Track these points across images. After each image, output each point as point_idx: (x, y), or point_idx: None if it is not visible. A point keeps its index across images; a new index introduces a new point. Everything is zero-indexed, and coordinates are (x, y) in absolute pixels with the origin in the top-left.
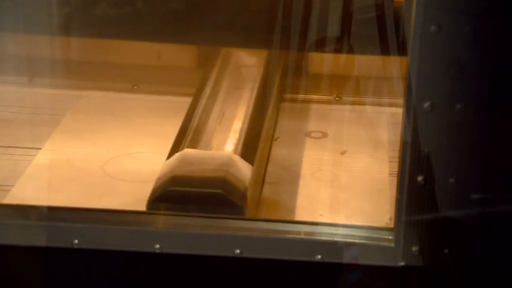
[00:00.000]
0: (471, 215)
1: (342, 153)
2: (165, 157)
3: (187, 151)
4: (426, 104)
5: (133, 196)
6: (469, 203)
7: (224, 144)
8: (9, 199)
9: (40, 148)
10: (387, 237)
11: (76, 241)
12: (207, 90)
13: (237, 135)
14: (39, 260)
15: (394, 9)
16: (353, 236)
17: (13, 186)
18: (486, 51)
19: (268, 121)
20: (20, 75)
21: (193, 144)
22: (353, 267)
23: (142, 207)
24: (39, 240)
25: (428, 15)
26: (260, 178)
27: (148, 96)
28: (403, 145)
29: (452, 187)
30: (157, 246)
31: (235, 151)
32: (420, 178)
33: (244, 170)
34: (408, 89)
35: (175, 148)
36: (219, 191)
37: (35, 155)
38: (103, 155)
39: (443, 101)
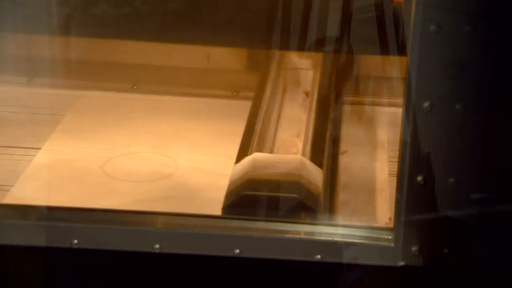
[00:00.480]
0: (470, 215)
1: (342, 153)
2: (166, 158)
3: (257, 155)
4: (426, 104)
5: (132, 196)
6: (468, 203)
7: (292, 148)
8: (8, 199)
9: (40, 148)
10: (386, 237)
11: (75, 241)
12: (267, 93)
13: (302, 139)
14: (39, 260)
15: (394, 9)
16: (353, 236)
17: (12, 186)
18: (486, 51)
19: (333, 124)
20: (19, 75)
21: (260, 148)
22: (352, 267)
23: (142, 207)
24: (39, 240)
25: (427, 15)
26: (330, 181)
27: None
28: (403, 144)
29: (452, 187)
30: (157, 246)
31: (303, 155)
32: (419, 178)
33: (316, 174)
34: (408, 88)
35: (243, 152)
36: (294, 195)
37: (35, 155)
38: (103, 155)
39: (443, 101)
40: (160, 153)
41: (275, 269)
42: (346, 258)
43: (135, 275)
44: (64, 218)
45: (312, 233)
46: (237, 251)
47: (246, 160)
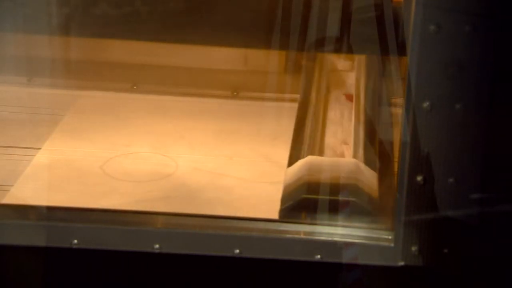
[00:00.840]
0: (470, 215)
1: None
2: (166, 158)
3: (311, 158)
4: (426, 104)
5: (132, 196)
6: (468, 203)
7: (343, 151)
8: (8, 199)
9: (40, 148)
10: (386, 237)
11: (75, 241)
12: (313, 95)
13: (352, 142)
14: (39, 260)
15: (394, 8)
16: (353, 236)
17: (12, 186)
18: (486, 51)
19: (384, 126)
20: (19, 75)
21: (312, 151)
22: (352, 267)
23: (142, 207)
24: (39, 240)
25: (427, 15)
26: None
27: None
28: (403, 145)
29: (452, 187)
30: (157, 246)
31: (355, 158)
32: (419, 178)
33: (371, 177)
34: (408, 88)
35: (295, 155)
36: (353, 199)
37: (35, 155)
38: (103, 155)
39: (443, 101)
40: (160, 153)
41: (275, 269)
42: (346, 258)
43: (135, 275)
44: (64, 218)
45: (312, 233)
46: (237, 251)
47: (300, 163)
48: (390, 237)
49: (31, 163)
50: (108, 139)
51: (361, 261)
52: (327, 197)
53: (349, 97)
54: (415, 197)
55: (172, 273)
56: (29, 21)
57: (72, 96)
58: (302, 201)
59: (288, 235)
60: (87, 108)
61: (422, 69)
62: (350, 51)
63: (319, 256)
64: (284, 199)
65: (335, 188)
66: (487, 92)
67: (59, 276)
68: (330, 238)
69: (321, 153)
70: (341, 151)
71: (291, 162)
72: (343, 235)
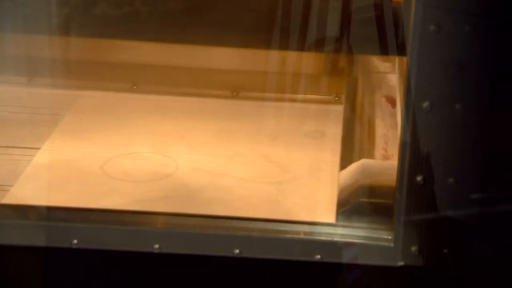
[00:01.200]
0: (470, 215)
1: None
2: (166, 158)
3: (365, 162)
4: (425, 104)
5: (132, 196)
6: (468, 203)
7: (393, 153)
8: (8, 199)
9: (40, 148)
10: (386, 237)
11: (75, 241)
12: (359, 97)
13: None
14: (39, 260)
15: (394, 8)
16: (352, 236)
17: (12, 186)
18: (485, 51)
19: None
20: (19, 75)
21: (363, 154)
22: (352, 267)
23: (142, 207)
24: (39, 240)
25: (427, 15)
26: None
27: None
28: (403, 144)
29: (451, 187)
30: (156, 246)
31: None
32: (419, 178)
33: None
34: (407, 88)
35: (347, 158)
36: None
37: (35, 155)
38: (103, 155)
39: (443, 101)
40: (160, 153)
41: (275, 269)
42: (346, 258)
43: (135, 275)
44: (63, 218)
45: (312, 233)
46: (237, 251)
47: (354, 166)
48: (390, 237)
49: (31, 163)
50: (108, 139)
51: (361, 261)
52: (385, 201)
53: (389, 100)
54: (415, 197)
55: (172, 273)
56: (29, 21)
57: (72, 96)
58: (361, 205)
59: (288, 235)
60: (87, 108)
61: (422, 69)
62: (350, 51)
63: (319, 256)
64: (340, 203)
65: (391, 191)
66: (487, 92)
67: (59, 276)
68: (330, 238)
69: (372, 156)
70: (392, 153)
71: (343, 165)
72: (343, 235)
